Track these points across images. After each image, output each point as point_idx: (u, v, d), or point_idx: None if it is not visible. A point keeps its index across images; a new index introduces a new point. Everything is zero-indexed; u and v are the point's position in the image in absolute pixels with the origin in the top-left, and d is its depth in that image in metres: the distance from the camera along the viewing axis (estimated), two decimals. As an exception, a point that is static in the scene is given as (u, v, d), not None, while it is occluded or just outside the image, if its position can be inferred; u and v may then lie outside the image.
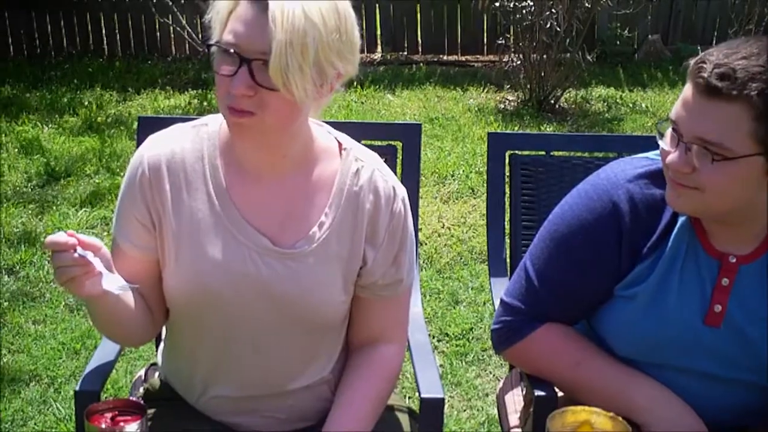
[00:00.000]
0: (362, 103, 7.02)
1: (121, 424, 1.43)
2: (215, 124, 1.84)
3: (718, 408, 1.87)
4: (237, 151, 1.79)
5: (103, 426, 1.43)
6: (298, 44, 1.58)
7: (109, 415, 1.47)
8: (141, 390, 2.05)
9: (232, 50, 1.62)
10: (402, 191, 1.87)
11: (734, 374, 1.85)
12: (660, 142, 1.75)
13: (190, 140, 1.82)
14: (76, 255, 1.57)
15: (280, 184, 1.80)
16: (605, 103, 7.12)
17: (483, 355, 3.76)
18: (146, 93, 7.17)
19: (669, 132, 1.72)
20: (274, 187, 1.80)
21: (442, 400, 1.93)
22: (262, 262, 1.78)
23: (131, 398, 1.52)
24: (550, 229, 1.93)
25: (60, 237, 1.58)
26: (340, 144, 1.86)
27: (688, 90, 1.68)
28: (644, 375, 1.88)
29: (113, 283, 1.62)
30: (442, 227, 4.85)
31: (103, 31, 8.24)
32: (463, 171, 5.52)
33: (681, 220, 1.81)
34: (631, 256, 1.85)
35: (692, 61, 1.69)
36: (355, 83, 7.22)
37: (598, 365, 1.90)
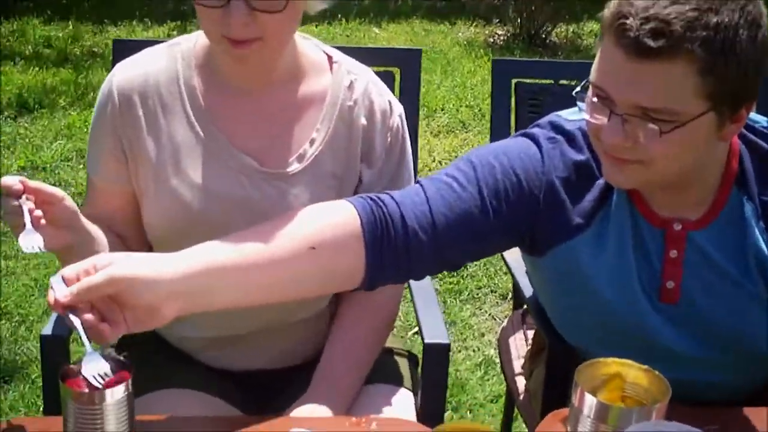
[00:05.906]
0: (347, 36, 6.86)
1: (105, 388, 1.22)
2: (189, 42, 1.72)
3: (697, 389, 1.59)
4: (218, 69, 1.68)
5: (86, 390, 1.23)
6: None
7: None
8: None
9: None
10: (399, 107, 1.77)
11: (702, 353, 1.59)
12: (583, 114, 1.47)
13: (164, 60, 1.70)
14: (15, 203, 1.43)
15: (266, 101, 1.69)
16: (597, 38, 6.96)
17: (478, 294, 3.67)
18: (123, 25, 6.97)
19: (590, 99, 1.44)
20: (260, 105, 1.69)
21: (448, 345, 1.81)
22: (250, 185, 1.67)
23: (113, 354, 1.30)
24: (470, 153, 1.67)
25: (6, 180, 1.45)
26: (329, 57, 1.75)
27: (611, 50, 1.38)
28: None
29: (31, 241, 1.44)
30: (433, 161, 4.74)
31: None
32: (453, 105, 5.39)
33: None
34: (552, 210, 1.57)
35: (607, 12, 1.40)
36: (339, 16, 7.03)
37: None
